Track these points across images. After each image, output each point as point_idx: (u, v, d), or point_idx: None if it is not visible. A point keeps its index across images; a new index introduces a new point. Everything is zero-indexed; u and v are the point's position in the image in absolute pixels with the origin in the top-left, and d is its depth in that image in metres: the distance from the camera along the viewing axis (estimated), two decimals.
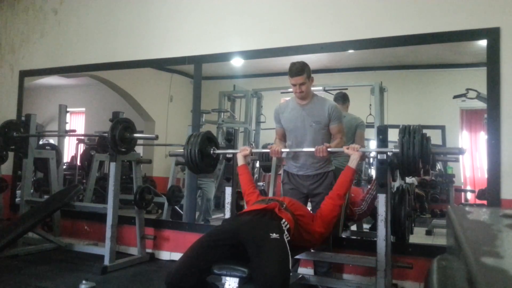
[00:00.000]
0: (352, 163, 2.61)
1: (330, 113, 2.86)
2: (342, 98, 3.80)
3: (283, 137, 3.06)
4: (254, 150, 2.99)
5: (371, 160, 4.64)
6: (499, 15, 2.94)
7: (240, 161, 2.89)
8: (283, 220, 2.30)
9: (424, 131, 2.49)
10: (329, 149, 2.68)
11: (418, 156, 2.39)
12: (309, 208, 3.02)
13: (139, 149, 4.75)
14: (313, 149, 2.71)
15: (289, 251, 2.11)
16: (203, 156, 2.90)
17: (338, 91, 4.03)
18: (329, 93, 4.44)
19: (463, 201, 5.08)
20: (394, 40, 3.24)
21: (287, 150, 2.96)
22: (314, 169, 2.93)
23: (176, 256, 3.76)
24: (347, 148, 2.63)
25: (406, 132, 2.47)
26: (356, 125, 3.61)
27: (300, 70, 2.77)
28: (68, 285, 3.07)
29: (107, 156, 4.98)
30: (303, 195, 2.98)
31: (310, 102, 2.90)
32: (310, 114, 2.88)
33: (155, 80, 5.87)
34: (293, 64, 2.81)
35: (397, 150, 2.48)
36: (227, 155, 3.08)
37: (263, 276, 1.93)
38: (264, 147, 3.77)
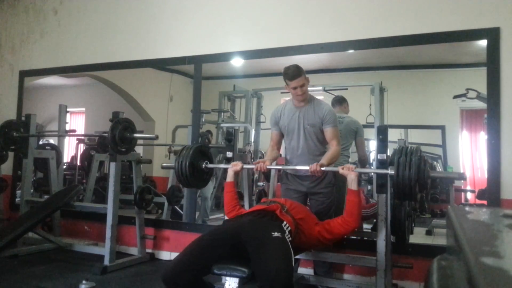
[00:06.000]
0: (352, 185, 2.49)
1: (323, 116, 2.81)
2: (337, 101, 3.79)
3: (278, 143, 3.02)
4: (246, 166, 2.91)
5: (371, 160, 4.64)
6: (499, 15, 2.94)
7: (230, 177, 2.80)
8: (284, 222, 2.31)
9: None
10: (323, 169, 2.61)
11: (414, 180, 2.25)
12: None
13: (139, 149, 4.76)
14: (307, 167, 2.65)
15: (291, 249, 2.12)
16: (194, 170, 2.83)
17: (338, 91, 4.03)
18: (329, 93, 4.44)
19: (463, 201, 5.08)
20: (394, 40, 3.24)
21: (275, 167, 2.91)
22: None
23: None
24: (342, 169, 2.54)
25: (403, 153, 2.33)
26: (355, 129, 3.59)
27: (299, 72, 2.72)
28: (68, 285, 3.07)
29: (107, 156, 4.97)
30: (302, 193, 2.97)
31: (307, 104, 2.86)
32: (306, 117, 2.85)
33: (155, 80, 5.88)
34: (287, 68, 2.75)
35: (393, 172, 2.35)
36: (228, 155, 3.08)
37: (267, 272, 1.93)
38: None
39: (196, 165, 2.86)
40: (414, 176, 2.25)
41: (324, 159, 2.70)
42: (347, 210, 2.51)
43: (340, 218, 2.52)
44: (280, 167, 2.99)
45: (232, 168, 2.81)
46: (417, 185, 2.29)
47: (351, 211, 2.48)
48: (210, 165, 2.94)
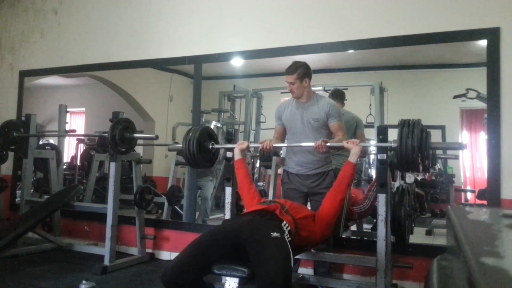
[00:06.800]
0: (352, 157, 2.56)
1: (327, 110, 2.88)
2: (341, 96, 3.79)
3: (281, 136, 3.06)
4: (252, 145, 2.99)
5: (371, 160, 4.64)
6: (499, 15, 2.94)
7: (237, 155, 2.86)
8: (284, 222, 2.31)
9: None
10: (328, 144, 2.66)
11: (417, 149, 2.35)
12: (309, 207, 3.02)
13: (139, 149, 4.75)
14: (312, 144, 2.70)
15: (290, 249, 2.11)
16: (201, 149, 2.88)
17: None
18: (329, 93, 4.44)
19: (463, 201, 5.08)
20: (394, 40, 3.24)
21: (280, 145, 2.98)
22: (314, 168, 2.93)
23: None
24: (347, 142, 2.61)
25: (405, 125, 2.44)
26: (355, 123, 3.61)
27: (292, 70, 2.84)
28: (68, 285, 3.07)
29: (107, 156, 4.98)
30: (303, 194, 2.97)
31: (310, 100, 2.93)
32: (309, 112, 2.90)
33: (155, 80, 5.88)
34: (293, 63, 2.88)
35: (396, 144, 2.45)
36: (227, 155, 3.08)
37: (266, 273, 1.93)
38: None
39: (203, 145, 2.90)
40: (416, 145, 2.35)
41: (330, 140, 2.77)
42: (337, 180, 2.57)
43: (330, 198, 2.54)
44: (285, 144, 3.04)
45: (238, 146, 2.87)
46: (419, 156, 2.38)
47: (340, 181, 2.54)
48: (216, 146, 2.97)
